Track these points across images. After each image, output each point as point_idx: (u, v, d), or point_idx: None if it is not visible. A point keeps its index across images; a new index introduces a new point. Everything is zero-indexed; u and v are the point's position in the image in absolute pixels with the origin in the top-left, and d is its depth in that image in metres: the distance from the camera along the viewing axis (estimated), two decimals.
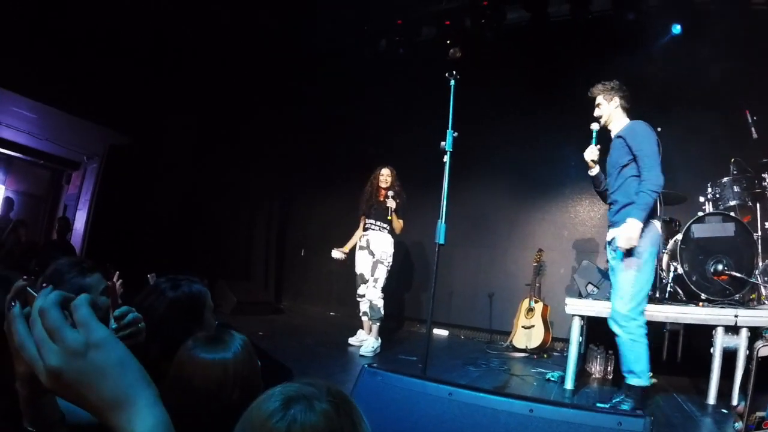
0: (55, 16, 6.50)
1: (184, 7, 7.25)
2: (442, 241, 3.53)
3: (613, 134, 4.14)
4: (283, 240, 9.71)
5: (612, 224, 4.02)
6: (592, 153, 4.12)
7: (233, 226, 9.55)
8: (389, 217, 5.58)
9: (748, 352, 3.73)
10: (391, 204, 5.54)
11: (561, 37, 7.17)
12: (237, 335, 1.44)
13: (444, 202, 3.59)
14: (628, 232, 3.67)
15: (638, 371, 3.63)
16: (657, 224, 3.87)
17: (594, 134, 4.16)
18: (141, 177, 8.43)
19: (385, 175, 5.72)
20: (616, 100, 4.10)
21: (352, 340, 5.74)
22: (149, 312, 1.72)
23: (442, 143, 3.68)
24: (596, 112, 4.19)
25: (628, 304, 3.69)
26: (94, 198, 8.65)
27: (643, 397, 3.68)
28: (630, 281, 3.73)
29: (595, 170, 4.20)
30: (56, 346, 0.63)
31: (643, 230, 3.72)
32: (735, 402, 3.63)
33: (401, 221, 5.68)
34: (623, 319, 3.70)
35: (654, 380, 4.04)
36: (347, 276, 6.02)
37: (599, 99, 4.18)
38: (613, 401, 3.69)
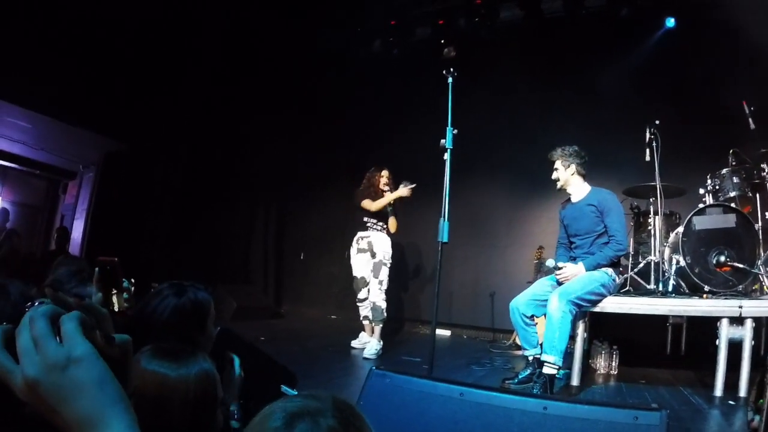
0: (50, 25, 6.47)
1: (177, 13, 7.23)
2: (445, 239, 3.50)
3: (574, 198, 4.42)
4: (282, 243, 9.65)
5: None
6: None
7: (231, 231, 9.50)
8: (390, 206, 5.62)
9: (752, 344, 3.73)
10: (406, 193, 5.58)
11: (555, 33, 7.17)
12: (202, 360, 1.32)
13: (446, 200, 3.56)
14: (574, 271, 4.11)
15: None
16: (611, 271, 4.21)
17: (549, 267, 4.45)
18: (138, 184, 8.39)
19: (385, 177, 5.72)
20: (573, 168, 4.32)
21: (354, 343, 5.70)
22: (152, 317, 1.68)
23: (442, 141, 3.65)
24: (553, 175, 4.42)
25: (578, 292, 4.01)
26: (91, 207, 8.59)
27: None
28: (586, 282, 4.07)
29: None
30: (38, 357, 0.61)
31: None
32: (742, 393, 3.62)
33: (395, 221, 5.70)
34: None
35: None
36: (347, 279, 5.97)
37: (557, 164, 4.39)
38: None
